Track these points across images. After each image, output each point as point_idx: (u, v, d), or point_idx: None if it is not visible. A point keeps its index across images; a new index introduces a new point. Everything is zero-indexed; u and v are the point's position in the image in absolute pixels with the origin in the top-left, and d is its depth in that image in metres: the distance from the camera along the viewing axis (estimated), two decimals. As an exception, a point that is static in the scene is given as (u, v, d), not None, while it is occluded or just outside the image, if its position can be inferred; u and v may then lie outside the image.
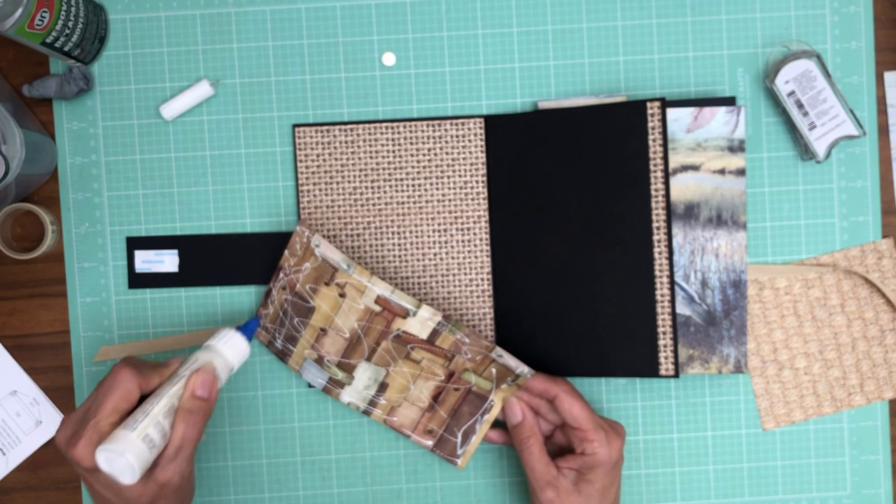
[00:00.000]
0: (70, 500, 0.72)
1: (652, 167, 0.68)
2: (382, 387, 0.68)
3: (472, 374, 0.67)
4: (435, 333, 0.65)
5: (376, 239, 0.70)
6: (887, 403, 0.72)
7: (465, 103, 0.71)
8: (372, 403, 0.69)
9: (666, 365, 0.69)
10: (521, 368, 0.65)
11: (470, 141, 0.70)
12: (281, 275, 0.67)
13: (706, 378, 0.72)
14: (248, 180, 0.71)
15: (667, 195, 0.68)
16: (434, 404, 0.68)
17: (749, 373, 0.71)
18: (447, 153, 0.70)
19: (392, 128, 0.70)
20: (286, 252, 0.66)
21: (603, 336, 0.69)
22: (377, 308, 0.65)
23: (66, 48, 0.65)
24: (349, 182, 0.70)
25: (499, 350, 0.65)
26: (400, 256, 0.70)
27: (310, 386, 0.71)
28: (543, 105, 0.70)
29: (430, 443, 0.69)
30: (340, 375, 0.68)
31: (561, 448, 0.68)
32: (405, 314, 0.65)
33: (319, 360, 0.68)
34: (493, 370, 0.66)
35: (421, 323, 0.65)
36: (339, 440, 0.71)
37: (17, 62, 0.71)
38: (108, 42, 0.71)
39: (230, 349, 0.61)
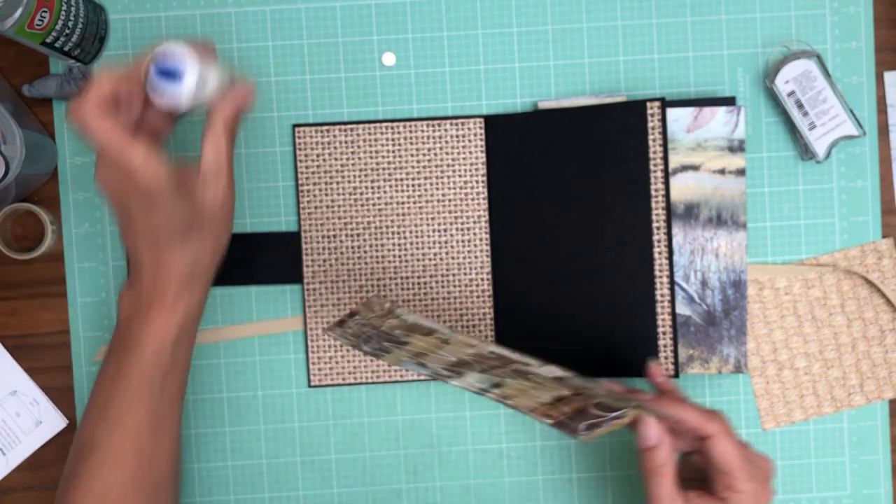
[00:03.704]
0: (70, 500, 0.72)
1: (652, 167, 0.68)
2: (496, 385, 0.61)
3: (606, 398, 0.58)
4: (563, 378, 0.58)
5: (376, 239, 0.70)
6: (887, 403, 0.72)
7: (465, 103, 0.71)
8: (484, 391, 0.62)
9: (666, 365, 0.69)
10: (670, 415, 0.58)
11: (470, 141, 0.70)
12: (357, 316, 0.59)
13: (706, 378, 0.72)
14: (248, 180, 0.71)
15: (667, 195, 0.68)
16: (556, 403, 0.61)
17: (749, 373, 0.71)
18: (447, 153, 0.70)
19: (392, 128, 0.70)
20: (359, 305, 0.58)
21: (603, 336, 0.69)
22: (492, 356, 0.58)
23: (66, 48, 0.65)
24: (349, 182, 0.70)
25: (644, 404, 0.58)
26: (400, 256, 0.70)
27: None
28: (543, 105, 0.70)
29: (549, 421, 0.61)
30: (447, 374, 0.62)
31: (693, 468, 0.60)
32: (527, 364, 0.58)
33: (421, 364, 0.62)
34: (634, 403, 0.58)
35: (546, 371, 0.58)
36: (339, 440, 0.71)
37: (17, 62, 0.71)
38: (108, 42, 0.71)
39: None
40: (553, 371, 0.57)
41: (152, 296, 0.57)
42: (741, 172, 0.69)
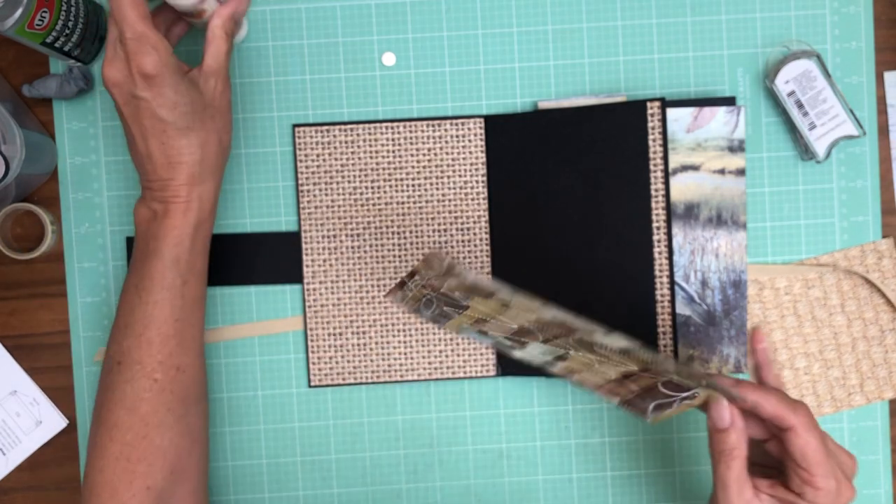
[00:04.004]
0: (70, 500, 0.72)
1: (652, 167, 0.68)
2: (560, 358, 0.59)
3: (676, 375, 0.56)
4: (629, 350, 0.55)
5: (376, 239, 0.70)
6: (887, 403, 0.72)
7: (465, 103, 0.71)
8: (548, 364, 0.61)
9: (666, 365, 0.69)
10: (749, 399, 0.55)
11: (470, 141, 0.70)
12: (417, 277, 0.57)
13: (706, 378, 0.72)
14: (248, 180, 0.71)
15: (667, 195, 0.68)
16: (624, 380, 0.58)
17: (749, 373, 0.71)
18: (447, 153, 0.70)
19: (392, 128, 0.70)
20: (419, 264, 0.56)
21: (603, 336, 0.69)
22: (554, 322, 0.56)
23: (66, 48, 0.65)
24: (349, 182, 0.70)
25: (717, 384, 0.56)
26: (400, 256, 0.70)
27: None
28: (543, 105, 0.70)
29: (616, 400, 0.60)
30: (509, 344, 0.59)
31: (766, 455, 0.58)
32: (592, 331, 0.55)
33: (482, 333, 0.60)
34: (705, 382, 0.56)
35: (611, 340, 0.55)
36: (339, 440, 0.71)
37: (17, 62, 0.71)
38: (108, 42, 0.71)
39: None
40: (619, 341, 0.54)
41: (166, 197, 0.60)
42: (741, 172, 0.69)
